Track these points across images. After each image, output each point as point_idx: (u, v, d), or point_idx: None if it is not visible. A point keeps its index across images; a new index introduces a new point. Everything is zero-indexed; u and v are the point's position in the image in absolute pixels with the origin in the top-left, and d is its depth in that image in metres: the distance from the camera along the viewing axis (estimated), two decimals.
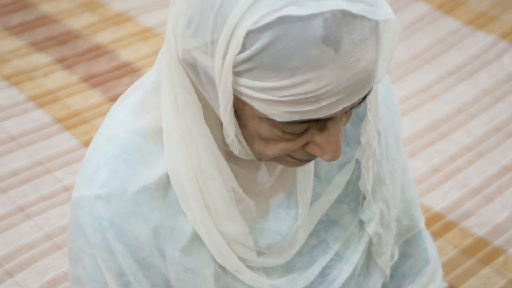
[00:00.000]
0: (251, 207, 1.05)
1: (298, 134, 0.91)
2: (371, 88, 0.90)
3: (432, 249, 1.33)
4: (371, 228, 1.17)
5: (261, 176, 1.06)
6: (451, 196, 1.83)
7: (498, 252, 1.69)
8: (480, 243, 1.71)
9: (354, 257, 1.17)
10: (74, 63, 2.19)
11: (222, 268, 1.07)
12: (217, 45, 0.85)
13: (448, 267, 1.65)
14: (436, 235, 1.73)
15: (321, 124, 0.90)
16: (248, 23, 0.82)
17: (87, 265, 1.04)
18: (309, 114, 0.86)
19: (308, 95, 0.84)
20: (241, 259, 1.07)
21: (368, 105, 1.05)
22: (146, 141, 1.01)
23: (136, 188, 1.00)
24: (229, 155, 1.01)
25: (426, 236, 1.32)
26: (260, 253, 1.09)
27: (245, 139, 0.95)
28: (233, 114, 0.91)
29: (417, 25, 2.45)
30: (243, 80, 0.85)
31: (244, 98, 0.87)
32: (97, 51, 2.24)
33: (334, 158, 0.93)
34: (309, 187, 1.08)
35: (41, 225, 1.70)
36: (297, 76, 0.83)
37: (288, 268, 1.12)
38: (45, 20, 2.35)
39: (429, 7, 2.52)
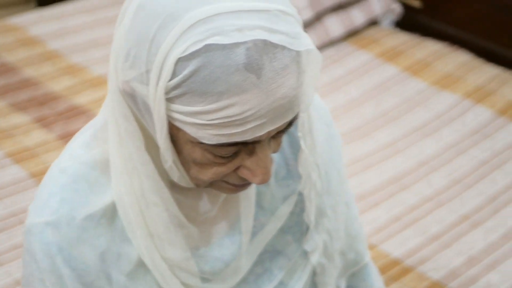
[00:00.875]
0: (193, 233, 1.10)
1: (228, 158, 0.97)
2: (297, 115, 0.97)
3: (378, 283, 1.37)
4: (315, 258, 1.22)
5: (203, 205, 1.11)
6: (410, 243, 1.90)
7: None
8: (435, 286, 1.77)
9: (297, 286, 1.21)
10: (52, 122, 2.27)
11: None
12: (151, 74, 0.92)
13: None
14: (394, 279, 1.79)
15: (249, 148, 0.97)
16: (178, 52, 0.90)
17: None
18: (235, 136, 0.92)
19: (233, 118, 0.91)
20: (185, 284, 1.11)
21: (300, 134, 1.11)
22: (95, 172, 1.07)
23: (84, 215, 1.05)
24: (173, 185, 1.07)
25: (373, 270, 1.37)
26: (204, 280, 1.13)
27: (182, 165, 1.01)
28: (169, 140, 0.97)
29: (386, 85, 2.55)
30: (175, 106, 0.92)
31: (177, 124, 0.94)
32: (75, 111, 2.32)
33: (263, 181, 0.99)
34: (251, 216, 1.14)
35: (11, 271, 1.76)
36: (222, 100, 0.90)
37: None
38: (27, 83, 2.45)
39: (397, 68, 2.62)
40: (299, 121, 1.10)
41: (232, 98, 0.90)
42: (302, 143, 1.11)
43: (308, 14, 2.68)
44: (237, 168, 1.00)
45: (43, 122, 2.26)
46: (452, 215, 1.99)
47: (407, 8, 2.91)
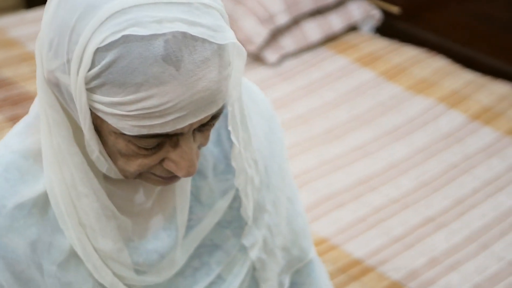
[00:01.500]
0: (126, 225, 1.09)
1: (152, 150, 0.97)
2: (221, 108, 0.97)
3: (324, 279, 1.37)
4: (254, 254, 1.21)
5: (138, 197, 1.11)
6: (372, 244, 1.91)
7: None
8: (394, 286, 1.78)
9: (236, 281, 1.20)
10: None
11: (102, 285, 1.11)
12: (72, 64, 0.92)
13: None
14: (354, 279, 1.79)
15: (174, 140, 0.96)
16: (97, 42, 0.90)
17: None
18: (155, 128, 0.92)
19: (152, 110, 0.90)
20: (118, 276, 1.11)
21: (230, 128, 1.09)
22: (28, 161, 1.07)
23: (14, 204, 1.05)
24: (106, 176, 1.06)
25: (318, 266, 1.36)
26: (138, 272, 1.12)
27: (110, 156, 1.01)
28: (93, 130, 0.97)
29: (361, 89, 2.55)
30: (96, 96, 0.92)
31: (100, 114, 0.93)
32: None
33: (188, 174, 0.98)
34: (186, 210, 1.13)
35: None
36: (141, 92, 0.89)
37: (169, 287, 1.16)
38: (2, 83, 2.47)
39: (374, 73, 2.63)
40: (229, 115, 1.09)
41: (150, 89, 0.90)
42: (232, 137, 1.10)
43: (285, 18, 2.69)
44: (163, 161, 0.99)
45: (16, 121, 2.27)
46: (417, 217, 2.00)
47: (386, 14, 2.93)
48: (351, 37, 2.82)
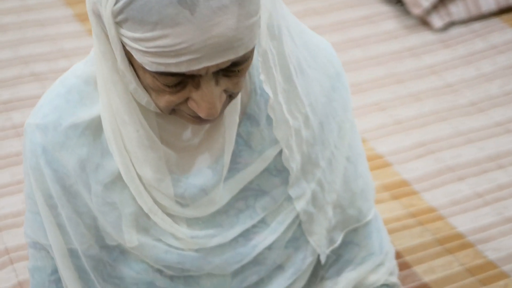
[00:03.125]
0: (169, 158, 1.16)
1: (176, 88, 1.02)
2: (245, 56, 0.99)
3: (383, 243, 1.37)
4: (300, 205, 1.24)
5: (186, 133, 1.17)
6: (481, 221, 1.85)
7: (501, 275, 1.70)
8: (486, 266, 1.73)
9: (280, 228, 1.24)
10: None
11: (143, 210, 1.18)
12: None
13: (447, 281, 1.69)
14: (447, 252, 1.76)
15: (196, 81, 1.01)
16: None
17: (27, 184, 1.22)
18: (171, 67, 0.97)
19: (167, 49, 0.95)
20: (159, 204, 1.18)
21: (262, 77, 1.12)
22: (88, 86, 1.16)
23: (69, 124, 1.15)
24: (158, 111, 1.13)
25: (379, 230, 1.37)
26: (179, 204, 1.19)
27: (145, 89, 1.07)
28: (127, 62, 1.04)
29: None
30: (123, 30, 0.99)
31: (128, 48, 1.00)
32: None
33: (209, 115, 1.03)
34: (229, 152, 1.18)
35: None
36: (157, 30, 0.95)
37: (210, 224, 1.22)
38: None
39: None
40: (260, 64, 1.11)
41: (165, 29, 0.94)
42: (265, 86, 1.12)
43: None
44: (188, 100, 1.04)
45: None
46: None
47: None
48: None
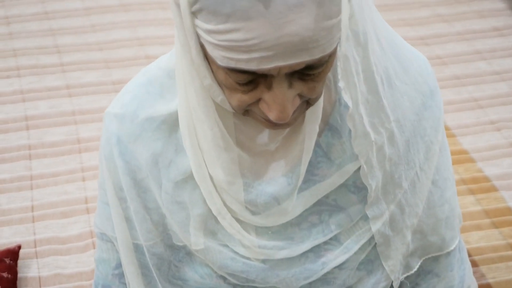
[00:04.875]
0: (244, 161, 1.12)
1: (248, 86, 0.98)
2: (321, 60, 0.94)
3: (465, 277, 1.30)
4: (376, 226, 1.18)
5: (261, 137, 1.12)
6: None
7: None
8: None
9: (354, 248, 1.19)
10: None
11: (212, 212, 1.15)
12: None
13: None
14: None
15: (268, 82, 0.97)
16: None
17: (100, 173, 1.20)
18: (241, 63, 0.93)
19: (238, 44, 0.92)
20: (228, 207, 1.14)
21: (342, 85, 1.05)
22: (171, 80, 1.13)
23: (146, 116, 1.13)
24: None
25: (462, 261, 1.30)
26: (249, 210, 1.14)
27: (220, 86, 1.03)
28: (202, 56, 1.00)
29: None
30: (198, 21, 0.95)
31: (202, 40, 0.97)
32: None
33: (279, 118, 0.98)
34: (306, 162, 1.12)
35: None
36: (229, 23, 0.91)
37: (280, 235, 1.17)
38: None
39: None
40: (340, 70, 1.05)
41: (238, 22, 0.91)
42: (344, 95, 1.06)
43: None
44: (260, 101, 1.00)
45: None
46: None
47: None
48: None
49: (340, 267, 1.20)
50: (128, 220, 1.19)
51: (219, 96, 1.04)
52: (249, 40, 0.91)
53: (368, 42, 1.06)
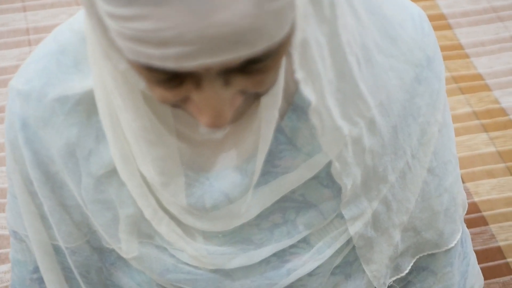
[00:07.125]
0: (184, 154, 0.96)
1: (168, 82, 0.79)
2: (269, 52, 0.74)
3: (467, 275, 1.19)
4: (355, 228, 1.05)
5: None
6: None
7: None
8: None
9: (327, 252, 1.06)
10: None
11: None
12: None
13: None
14: None
15: (196, 78, 0.77)
16: None
17: (7, 159, 1.06)
18: (154, 59, 0.73)
19: (148, 34, 0.72)
20: (166, 211, 1.00)
21: (298, 77, 0.85)
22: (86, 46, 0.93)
23: (57, 95, 0.96)
24: None
25: (466, 256, 1.19)
26: (191, 213, 1.00)
27: None
28: (109, 37, 0.80)
29: None
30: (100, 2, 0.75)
31: (106, 23, 0.77)
32: None
33: (213, 125, 0.80)
34: (263, 152, 0.95)
35: None
36: (133, 6, 0.71)
37: (234, 238, 1.04)
38: None
39: None
40: (296, 59, 0.83)
41: (145, 7, 0.71)
42: (303, 87, 0.86)
43: None
44: (188, 100, 0.81)
45: None
46: None
47: None
48: None
49: (310, 273, 1.07)
50: (43, 218, 1.04)
51: (141, 83, 0.86)
52: (162, 31, 0.71)
53: (337, 15, 0.85)
